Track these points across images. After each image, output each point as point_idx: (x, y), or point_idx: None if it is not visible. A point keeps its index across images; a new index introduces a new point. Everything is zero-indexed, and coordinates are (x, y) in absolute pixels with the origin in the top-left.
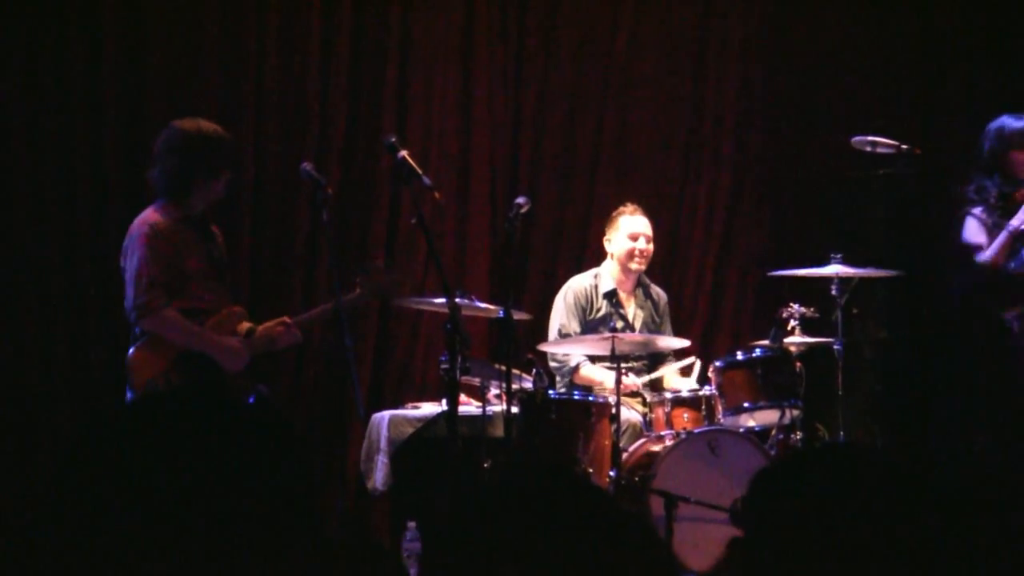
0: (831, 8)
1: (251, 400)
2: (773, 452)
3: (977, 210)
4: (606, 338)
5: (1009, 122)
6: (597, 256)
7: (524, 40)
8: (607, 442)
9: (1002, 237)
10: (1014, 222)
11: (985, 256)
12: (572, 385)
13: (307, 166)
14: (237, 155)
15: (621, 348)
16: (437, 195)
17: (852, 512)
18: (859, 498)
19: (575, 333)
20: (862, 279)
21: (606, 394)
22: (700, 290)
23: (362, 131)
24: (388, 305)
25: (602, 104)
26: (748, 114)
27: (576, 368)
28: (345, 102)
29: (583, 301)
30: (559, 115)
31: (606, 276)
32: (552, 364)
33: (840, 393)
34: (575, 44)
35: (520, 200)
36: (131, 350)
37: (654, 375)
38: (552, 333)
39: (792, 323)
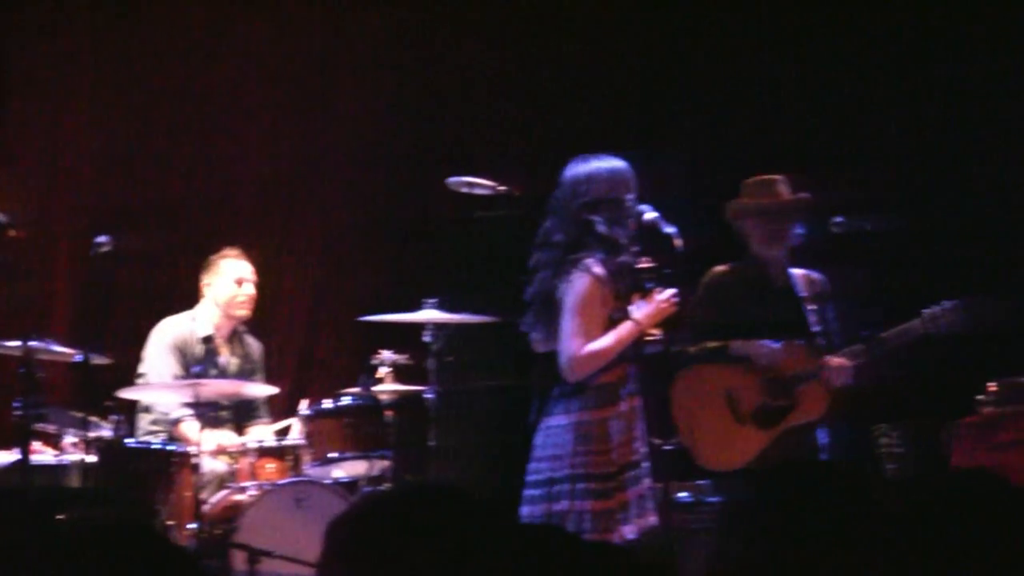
0: (426, 47)
1: None
2: None
3: (596, 267)
4: (191, 384)
5: (618, 162)
6: (190, 298)
7: (122, 71)
8: (188, 493)
9: (625, 329)
10: (644, 318)
11: (593, 348)
12: (172, 438)
13: None
14: None
15: (207, 395)
16: (13, 232)
17: (430, 557)
18: (437, 542)
19: (175, 376)
20: (459, 325)
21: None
22: (293, 334)
23: None
24: None
25: (200, 140)
26: (347, 154)
27: (177, 422)
28: None
29: (181, 344)
30: (155, 150)
31: (203, 320)
32: (154, 415)
33: (432, 443)
34: (173, 76)
35: (102, 239)
36: None
37: (246, 438)
38: (147, 375)
39: (383, 370)
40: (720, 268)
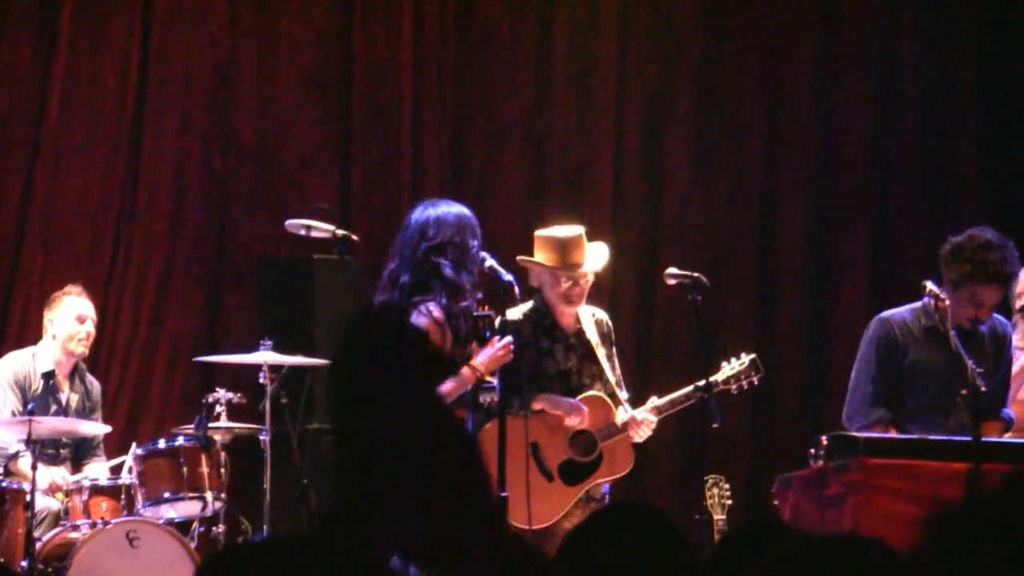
0: (270, 87)
1: None
2: (194, 545)
3: (436, 311)
4: (23, 421)
5: (463, 208)
6: (21, 334)
7: None
8: (21, 530)
9: (460, 376)
10: (480, 364)
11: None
12: (7, 472)
13: None
14: None
15: (40, 432)
16: None
17: None
18: None
19: (17, 412)
20: (295, 367)
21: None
22: (126, 373)
23: None
24: None
25: (29, 173)
26: (183, 191)
27: (15, 456)
28: None
29: (22, 380)
30: None
31: (44, 356)
32: None
33: (266, 485)
34: None
35: None
36: None
37: (80, 475)
38: None
39: (218, 410)
40: (513, 313)
